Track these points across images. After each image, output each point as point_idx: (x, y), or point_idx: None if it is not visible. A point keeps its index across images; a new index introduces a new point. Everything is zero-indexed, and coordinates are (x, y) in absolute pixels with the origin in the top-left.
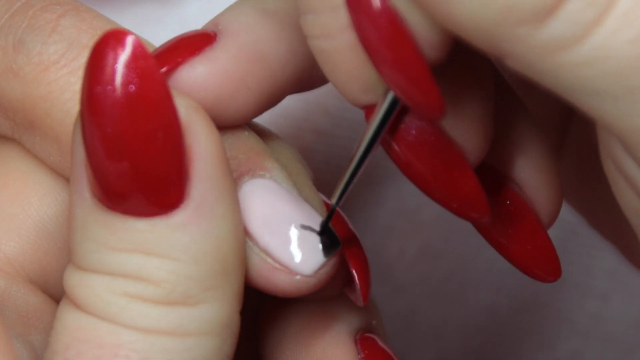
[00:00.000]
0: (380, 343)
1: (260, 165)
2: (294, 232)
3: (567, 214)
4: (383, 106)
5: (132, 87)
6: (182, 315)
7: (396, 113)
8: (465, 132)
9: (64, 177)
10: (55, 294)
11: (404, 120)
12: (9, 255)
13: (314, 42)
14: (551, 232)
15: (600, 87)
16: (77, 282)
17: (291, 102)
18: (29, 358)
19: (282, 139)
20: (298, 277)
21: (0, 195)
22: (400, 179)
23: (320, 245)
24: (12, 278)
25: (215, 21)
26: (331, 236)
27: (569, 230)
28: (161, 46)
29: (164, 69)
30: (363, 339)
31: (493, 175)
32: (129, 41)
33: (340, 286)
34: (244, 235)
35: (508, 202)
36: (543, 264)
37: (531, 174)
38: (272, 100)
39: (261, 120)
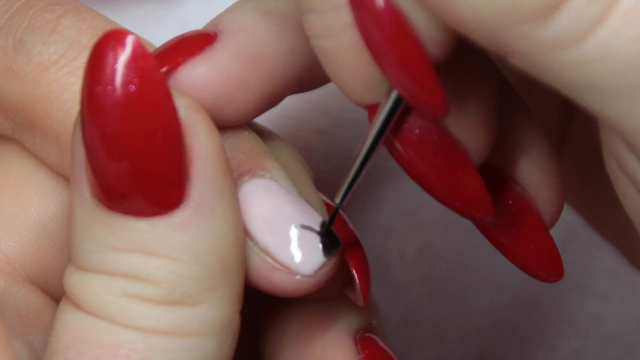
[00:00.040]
0: (380, 343)
1: (261, 165)
2: (294, 232)
3: (568, 214)
4: (386, 105)
5: (132, 87)
6: (182, 315)
7: (399, 112)
8: (469, 131)
9: (64, 177)
10: (55, 294)
11: (407, 120)
12: (9, 255)
13: (317, 41)
14: (551, 232)
15: (603, 85)
16: (77, 282)
17: (291, 102)
18: (29, 358)
19: (282, 139)
20: (298, 277)
21: (0, 195)
22: (400, 179)
23: (320, 245)
24: (12, 278)
25: (215, 21)
26: (331, 236)
27: (569, 230)
28: (161, 46)
29: (164, 69)
30: (363, 339)
31: (495, 175)
32: (129, 41)
33: (340, 286)
34: (244, 235)
35: (510, 202)
36: (545, 264)
37: (533, 174)
38: (272, 100)
39: (261, 120)
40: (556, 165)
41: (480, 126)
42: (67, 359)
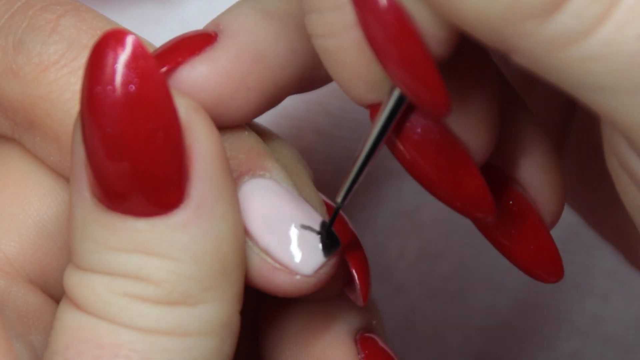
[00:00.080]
0: (380, 343)
1: (261, 165)
2: (294, 232)
3: (568, 214)
4: (389, 104)
5: (132, 87)
6: (182, 315)
7: (402, 111)
8: (471, 130)
9: (64, 177)
10: (55, 294)
11: (409, 119)
12: (9, 255)
13: (319, 41)
14: (551, 232)
15: (606, 83)
16: (77, 282)
17: (292, 103)
18: (29, 358)
19: (283, 139)
20: (298, 277)
21: (0, 195)
22: (400, 179)
23: (320, 245)
24: (12, 278)
25: (216, 21)
26: (331, 236)
27: (569, 230)
28: (161, 46)
29: (164, 69)
30: (363, 339)
31: (496, 175)
32: (129, 41)
33: (340, 286)
34: (244, 235)
35: (511, 202)
36: (545, 265)
37: (534, 174)
38: (272, 100)
39: (261, 120)
40: (557, 165)
41: (483, 125)
42: (67, 359)
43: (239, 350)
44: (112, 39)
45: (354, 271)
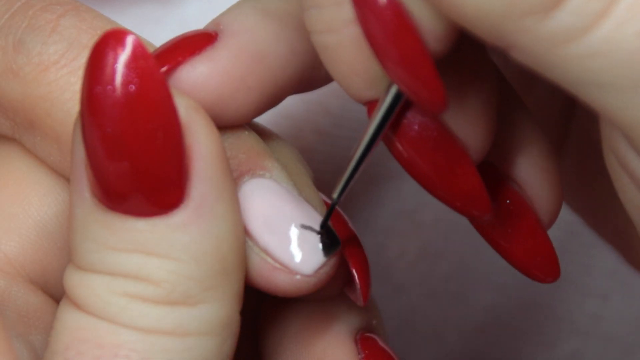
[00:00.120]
0: (381, 343)
1: (261, 165)
2: (294, 232)
3: (567, 213)
4: (386, 101)
5: (132, 87)
6: (182, 315)
7: (399, 108)
8: (468, 127)
9: (64, 177)
10: (56, 294)
11: (406, 116)
12: (9, 255)
13: (318, 37)
14: (551, 232)
15: (605, 80)
16: (77, 282)
17: (292, 102)
18: (29, 358)
19: (283, 138)
20: (298, 276)
21: (0, 195)
22: (400, 179)
23: (320, 245)
24: (12, 278)
25: (216, 21)
26: (331, 236)
27: (568, 230)
28: (161, 46)
29: (164, 69)
30: (363, 339)
31: (493, 174)
32: (129, 41)
33: (340, 286)
34: (244, 235)
35: (508, 201)
36: (542, 265)
37: (532, 173)
38: (272, 100)
39: (261, 120)
40: (555, 164)
41: (480, 122)
42: (67, 359)
43: (239, 350)
44: (112, 38)
45: (354, 271)
